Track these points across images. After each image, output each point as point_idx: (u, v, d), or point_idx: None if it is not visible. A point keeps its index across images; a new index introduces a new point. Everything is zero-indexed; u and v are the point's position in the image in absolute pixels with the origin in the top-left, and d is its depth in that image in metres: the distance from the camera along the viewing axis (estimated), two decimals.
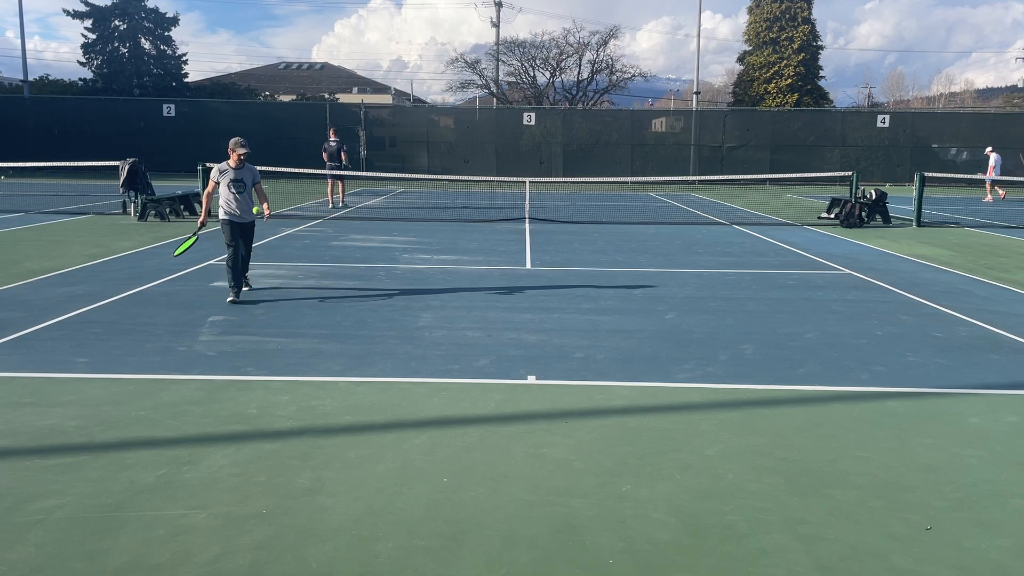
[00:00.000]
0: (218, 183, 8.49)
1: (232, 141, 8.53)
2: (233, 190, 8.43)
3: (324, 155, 20.64)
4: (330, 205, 20.46)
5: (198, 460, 4.41)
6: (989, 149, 27.02)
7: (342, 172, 20.61)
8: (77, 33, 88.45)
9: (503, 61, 47.38)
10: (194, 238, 9.04)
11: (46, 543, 3.49)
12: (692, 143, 37.35)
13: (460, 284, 9.77)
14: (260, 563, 3.35)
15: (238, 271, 8.56)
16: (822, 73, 44.08)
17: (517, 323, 7.73)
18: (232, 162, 8.50)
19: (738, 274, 10.81)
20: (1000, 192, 26.75)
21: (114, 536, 3.56)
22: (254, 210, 8.74)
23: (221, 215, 8.51)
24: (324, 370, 6.09)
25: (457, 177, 27.58)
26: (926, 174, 18.43)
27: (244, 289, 8.83)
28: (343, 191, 21.38)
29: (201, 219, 8.85)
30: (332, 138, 20.56)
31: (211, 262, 11.14)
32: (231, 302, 8.31)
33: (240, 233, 8.57)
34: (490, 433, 4.88)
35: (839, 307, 8.69)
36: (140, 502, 3.89)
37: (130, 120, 36.62)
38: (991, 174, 25.80)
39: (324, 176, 20.96)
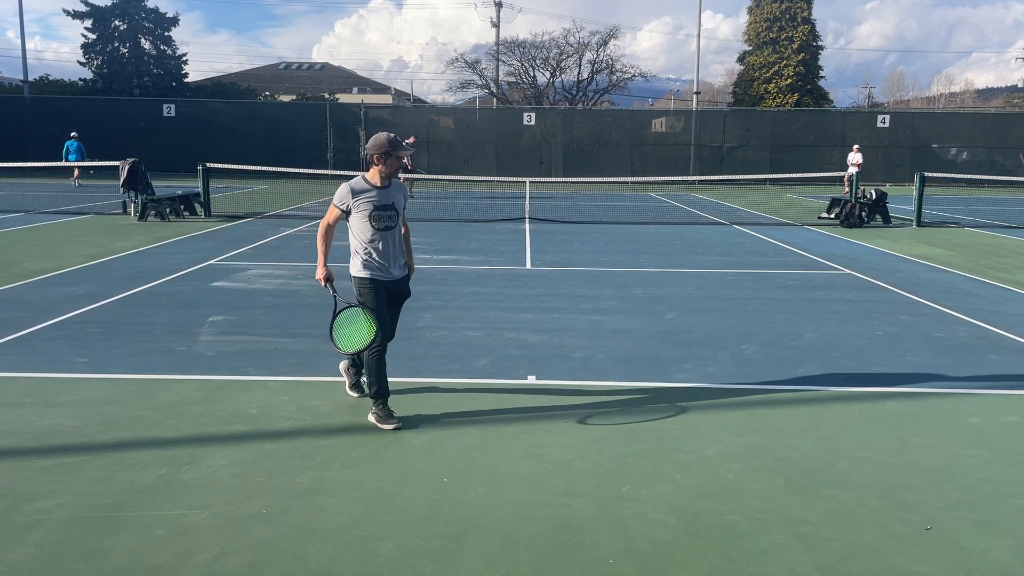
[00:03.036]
0: (347, 213, 5.03)
1: (384, 139, 5.04)
2: (378, 224, 5.00)
3: None
4: None
5: (198, 460, 4.40)
6: (856, 148, 27.17)
7: (411, 173, 23.67)
8: (77, 33, 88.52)
9: (503, 61, 47.40)
10: (367, 318, 4.91)
11: (46, 543, 3.49)
12: (692, 143, 37.35)
13: (460, 284, 9.77)
14: (260, 563, 3.35)
15: (383, 363, 5.05)
16: (822, 73, 44.16)
17: (517, 323, 7.73)
18: (376, 176, 5.05)
19: (738, 274, 10.81)
20: (846, 190, 26.72)
21: (114, 536, 3.55)
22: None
23: (359, 271, 5.04)
24: (324, 370, 6.09)
25: (457, 177, 27.59)
26: (926, 174, 18.44)
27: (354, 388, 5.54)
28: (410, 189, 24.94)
29: (322, 273, 5.08)
30: (407, 141, 23.51)
31: (211, 262, 11.14)
32: (393, 428, 4.94)
33: (389, 299, 5.15)
34: (490, 433, 4.87)
35: (839, 307, 8.69)
36: (140, 502, 3.89)
37: (130, 120, 36.64)
38: (855, 168, 26.36)
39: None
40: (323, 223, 5.13)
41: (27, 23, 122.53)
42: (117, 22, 44.45)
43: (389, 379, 5.03)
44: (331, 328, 4.95)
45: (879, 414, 5.29)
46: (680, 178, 33.76)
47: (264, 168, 21.48)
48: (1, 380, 5.77)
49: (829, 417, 5.22)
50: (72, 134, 27.30)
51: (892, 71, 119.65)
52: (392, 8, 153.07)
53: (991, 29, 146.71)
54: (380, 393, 5.02)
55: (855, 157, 26.51)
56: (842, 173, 23.72)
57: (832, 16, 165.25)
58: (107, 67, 44.29)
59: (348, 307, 4.98)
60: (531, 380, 5.93)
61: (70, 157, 26.58)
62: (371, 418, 5.04)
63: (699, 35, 40.14)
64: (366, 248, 5.01)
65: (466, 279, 10.14)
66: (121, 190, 17.51)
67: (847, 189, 25.99)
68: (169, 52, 46.04)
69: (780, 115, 38.48)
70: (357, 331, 4.96)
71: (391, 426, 4.95)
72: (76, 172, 26.97)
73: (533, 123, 36.98)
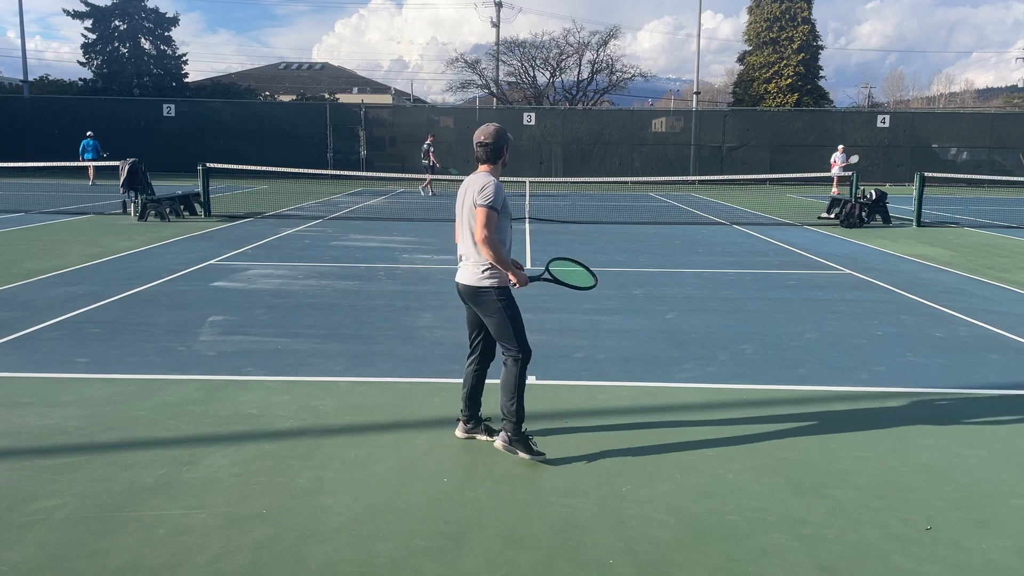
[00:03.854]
0: (497, 212, 4.38)
1: (501, 128, 4.58)
2: (509, 223, 4.64)
3: (421, 154, 26.19)
4: (421, 194, 26.02)
5: (198, 460, 4.40)
6: (841, 148, 27.08)
7: (431, 170, 25.34)
8: (77, 33, 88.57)
9: (503, 61, 47.47)
10: (574, 264, 5.33)
11: (46, 543, 3.49)
12: (692, 143, 37.35)
13: None
14: (260, 563, 3.35)
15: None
16: (822, 73, 44.16)
17: None
18: (499, 171, 4.60)
19: (738, 274, 10.80)
20: (835, 190, 26.60)
21: (114, 536, 3.55)
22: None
23: (492, 281, 4.47)
24: (324, 370, 6.09)
25: (458, 177, 27.54)
26: (926, 174, 18.44)
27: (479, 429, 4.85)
28: (429, 185, 26.11)
29: (519, 280, 4.53)
30: (427, 141, 25.95)
31: (211, 262, 11.14)
32: (540, 459, 4.46)
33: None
34: None
35: (839, 307, 8.69)
36: (140, 502, 3.89)
37: (130, 120, 36.65)
38: (835, 168, 26.42)
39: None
40: (489, 233, 4.30)
41: (27, 23, 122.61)
42: (117, 22, 44.48)
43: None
44: (562, 282, 5.25)
45: (879, 414, 5.29)
46: (680, 178, 33.79)
47: (264, 168, 21.49)
48: (1, 380, 5.77)
49: (829, 417, 5.22)
50: (88, 133, 27.97)
51: (892, 71, 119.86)
52: (392, 8, 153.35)
53: (991, 29, 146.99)
54: (514, 415, 4.48)
55: (838, 156, 26.42)
56: (843, 173, 23.89)
57: (832, 16, 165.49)
58: (107, 67, 44.31)
59: (554, 263, 5.24)
60: (531, 380, 5.92)
61: (86, 156, 27.15)
62: (512, 447, 4.48)
63: (699, 35, 40.17)
64: (508, 250, 4.53)
65: None
66: (121, 190, 17.52)
67: (836, 190, 26.00)
68: (169, 52, 46.07)
69: (780, 115, 38.48)
70: (579, 275, 5.33)
71: (537, 456, 4.45)
72: (91, 171, 27.54)
73: (533, 123, 36.99)
